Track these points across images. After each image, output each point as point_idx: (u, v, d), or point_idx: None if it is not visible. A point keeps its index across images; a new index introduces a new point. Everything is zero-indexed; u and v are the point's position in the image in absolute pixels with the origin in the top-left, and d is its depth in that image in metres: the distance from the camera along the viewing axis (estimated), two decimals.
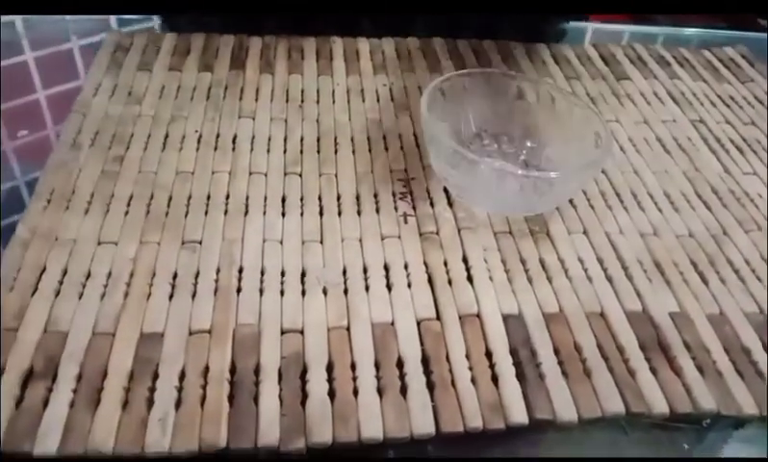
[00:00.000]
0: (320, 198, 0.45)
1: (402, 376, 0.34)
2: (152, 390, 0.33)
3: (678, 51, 0.68)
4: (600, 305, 0.40)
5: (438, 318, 0.38)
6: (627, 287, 0.41)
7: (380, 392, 0.33)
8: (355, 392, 0.33)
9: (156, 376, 0.33)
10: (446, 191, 0.46)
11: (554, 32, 0.69)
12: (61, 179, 0.44)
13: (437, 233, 0.43)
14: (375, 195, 0.46)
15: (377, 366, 0.35)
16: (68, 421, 0.31)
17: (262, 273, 0.39)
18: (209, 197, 0.44)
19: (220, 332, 0.35)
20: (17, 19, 0.63)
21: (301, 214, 0.44)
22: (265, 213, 0.43)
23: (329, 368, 0.34)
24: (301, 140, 0.50)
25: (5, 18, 0.63)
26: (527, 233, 0.44)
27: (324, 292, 0.38)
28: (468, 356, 0.36)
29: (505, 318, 0.38)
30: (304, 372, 0.34)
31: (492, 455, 0.33)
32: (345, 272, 0.40)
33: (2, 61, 0.59)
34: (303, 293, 0.38)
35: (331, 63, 0.59)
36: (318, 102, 0.54)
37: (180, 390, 0.33)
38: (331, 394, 0.33)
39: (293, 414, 0.32)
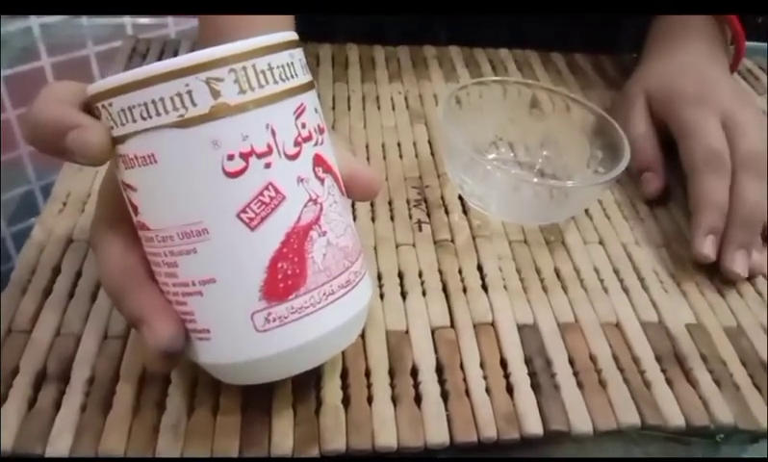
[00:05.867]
0: None
1: (416, 385, 0.34)
2: (164, 395, 0.33)
3: None
4: (615, 316, 0.39)
5: (452, 326, 0.38)
6: (643, 298, 0.41)
7: (394, 400, 0.33)
8: (369, 400, 0.33)
9: (168, 382, 0.33)
10: (461, 199, 0.46)
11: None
12: (77, 182, 0.44)
13: (452, 241, 0.43)
14: (390, 203, 0.45)
15: (391, 374, 0.35)
16: (80, 424, 0.31)
17: None
18: None
19: None
20: (35, 25, 0.64)
21: None
22: None
23: (343, 375, 0.34)
24: None
25: (22, 24, 0.63)
26: (543, 242, 0.44)
27: None
28: (482, 365, 0.35)
29: (520, 327, 0.38)
30: (319, 379, 0.34)
31: None
32: None
33: (20, 66, 0.59)
34: None
35: (346, 70, 0.59)
36: (333, 109, 0.54)
37: (193, 397, 0.33)
38: (345, 401, 0.33)
39: (306, 422, 0.32)
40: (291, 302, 0.27)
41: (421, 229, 0.44)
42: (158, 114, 0.26)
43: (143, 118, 0.26)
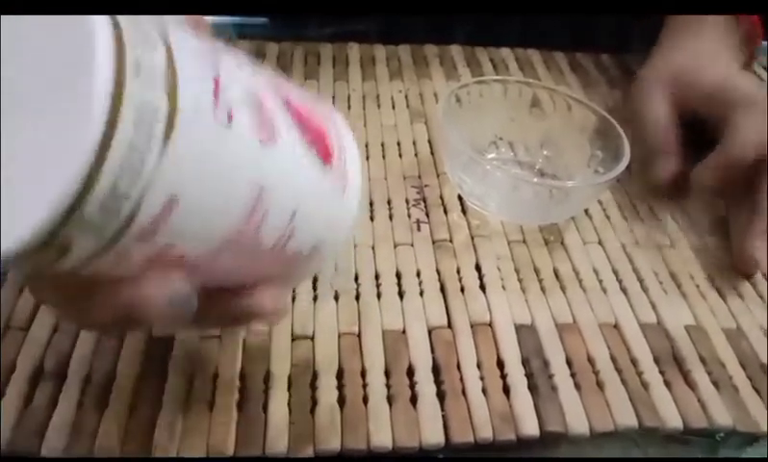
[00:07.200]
0: None
1: (413, 385, 0.34)
2: (161, 393, 0.33)
3: None
4: (614, 316, 0.39)
5: (450, 326, 0.37)
6: (642, 299, 0.41)
7: (390, 400, 0.33)
8: (365, 399, 0.33)
9: (164, 380, 0.33)
10: (460, 198, 0.46)
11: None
12: None
13: (450, 240, 0.43)
14: (389, 202, 0.45)
15: (387, 374, 0.34)
16: (76, 422, 0.31)
17: None
18: None
19: (231, 338, 0.35)
20: None
21: None
22: None
23: (339, 374, 0.34)
24: None
25: None
26: (542, 242, 0.44)
27: (336, 298, 0.38)
28: (479, 366, 0.35)
29: (518, 327, 0.38)
30: (314, 379, 0.34)
31: None
32: (357, 279, 0.39)
33: None
34: (315, 298, 0.38)
35: (347, 68, 0.59)
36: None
37: (189, 395, 0.33)
38: (341, 401, 0.33)
39: (301, 421, 0.32)
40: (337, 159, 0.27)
41: (419, 228, 0.43)
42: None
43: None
